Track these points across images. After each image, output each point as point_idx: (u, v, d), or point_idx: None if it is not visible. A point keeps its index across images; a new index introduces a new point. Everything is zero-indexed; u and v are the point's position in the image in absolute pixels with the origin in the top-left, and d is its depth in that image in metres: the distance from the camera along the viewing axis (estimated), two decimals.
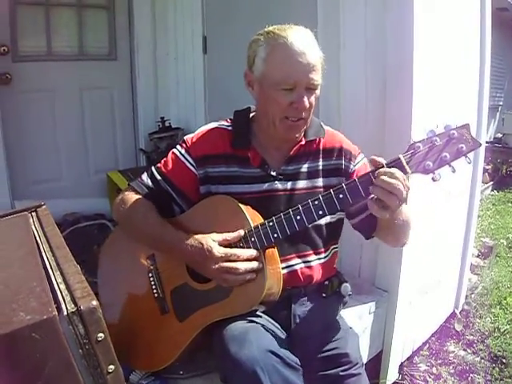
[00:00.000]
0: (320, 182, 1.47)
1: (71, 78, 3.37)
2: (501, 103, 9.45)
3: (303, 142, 1.45)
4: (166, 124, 3.61)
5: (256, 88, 1.40)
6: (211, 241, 1.29)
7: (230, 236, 1.31)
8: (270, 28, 1.37)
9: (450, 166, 1.19)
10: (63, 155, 3.42)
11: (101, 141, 3.59)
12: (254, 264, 1.29)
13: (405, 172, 1.18)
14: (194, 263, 1.35)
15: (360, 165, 1.49)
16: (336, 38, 2.18)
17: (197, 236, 1.32)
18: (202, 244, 1.28)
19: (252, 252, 1.29)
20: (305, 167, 1.47)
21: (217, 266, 1.27)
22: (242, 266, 1.27)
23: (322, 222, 1.43)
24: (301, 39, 1.31)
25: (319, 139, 1.48)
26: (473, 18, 2.45)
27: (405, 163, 1.19)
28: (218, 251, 1.27)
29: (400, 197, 1.16)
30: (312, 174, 1.47)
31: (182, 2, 3.49)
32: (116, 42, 3.57)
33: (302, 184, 1.45)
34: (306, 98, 1.31)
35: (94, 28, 3.48)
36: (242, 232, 1.31)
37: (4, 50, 3.00)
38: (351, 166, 1.49)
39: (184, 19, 3.47)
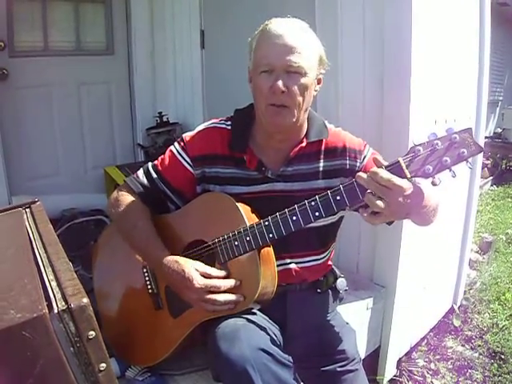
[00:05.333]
0: (320, 183, 1.42)
1: (68, 74, 3.35)
2: (501, 98, 9.42)
3: (304, 144, 1.41)
4: (164, 119, 3.59)
5: (252, 81, 1.37)
6: (193, 270, 1.27)
7: (213, 272, 1.29)
8: None
9: (450, 170, 1.14)
10: (60, 150, 3.41)
11: (98, 136, 3.57)
12: (233, 297, 1.27)
13: (404, 176, 1.14)
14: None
15: (367, 159, 1.43)
16: (333, 35, 2.16)
17: (180, 261, 1.30)
18: (183, 271, 1.27)
19: (231, 282, 1.28)
20: (304, 168, 1.42)
21: (196, 296, 1.27)
22: (221, 298, 1.26)
23: (320, 223, 1.39)
24: (282, 25, 1.30)
25: (322, 140, 1.43)
26: (472, 12, 2.43)
27: (404, 167, 1.15)
28: (199, 282, 1.25)
29: (390, 200, 1.10)
30: (311, 176, 1.42)
31: None
32: (113, 37, 3.55)
33: (299, 185, 1.41)
34: (281, 82, 1.26)
35: (91, 23, 3.45)
36: (224, 272, 1.30)
37: (0, 45, 2.97)
38: (358, 164, 1.43)
39: (181, 13, 3.45)
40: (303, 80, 1.29)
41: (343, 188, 1.21)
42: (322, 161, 1.43)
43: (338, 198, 1.21)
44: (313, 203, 1.24)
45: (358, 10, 2.09)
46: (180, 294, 1.32)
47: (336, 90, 2.21)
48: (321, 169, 1.43)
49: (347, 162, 1.43)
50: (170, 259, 1.31)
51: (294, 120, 1.34)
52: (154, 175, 1.46)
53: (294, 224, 1.26)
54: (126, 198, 1.44)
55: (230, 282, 1.28)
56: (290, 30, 1.29)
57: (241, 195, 1.38)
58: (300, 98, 1.30)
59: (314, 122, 1.44)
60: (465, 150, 1.12)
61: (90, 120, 3.52)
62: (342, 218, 1.52)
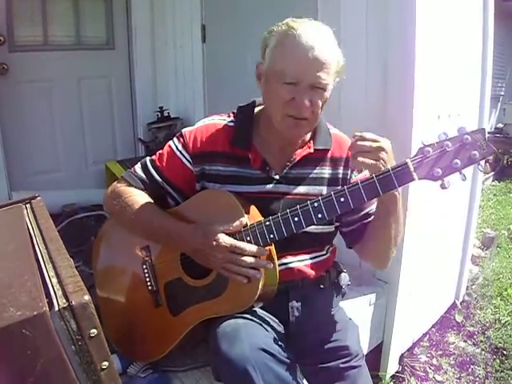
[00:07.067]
0: (324, 190, 1.41)
1: (69, 68, 3.34)
2: (502, 93, 9.38)
3: (311, 150, 1.40)
4: (165, 114, 3.58)
5: (263, 81, 1.32)
6: (219, 230, 1.24)
7: (232, 226, 1.26)
8: (286, 19, 1.29)
9: (460, 173, 1.11)
10: (61, 146, 3.40)
11: (99, 131, 3.56)
12: (259, 261, 1.24)
13: (412, 179, 1.13)
14: (195, 252, 1.30)
15: (361, 175, 1.43)
16: (336, 28, 2.13)
17: (202, 225, 1.27)
18: (209, 232, 1.24)
19: (255, 248, 1.24)
20: (309, 173, 1.41)
21: (221, 255, 1.23)
22: (249, 260, 1.23)
23: (318, 230, 1.38)
24: (313, 33, 1.22)
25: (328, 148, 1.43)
26: (476, 8, 2.41)
27: (412, 169, 1.13)
28: (225, 241, 1.22)
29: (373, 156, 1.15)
30: (317, 181, 1.41)
31: None
32: (114, 31, 3.54)
33: (303, 189, 1.40)
34: (307, 97, 1.23)
35: (91, 17, 3.44)
36: (244, 220, 1.26)
37: (0, 40, 2.96)
38: (353, 176, 1.44)
39: (182, 7, 3.42)
40: (326, 94, 1.27)
41: (348, 190, 1.19)
42: (327, 168, 1.43)
43: (342, 199, 1.19)
44: (316, 204, 1.22)
45: (362, 4, 2.06)
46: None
47: (338, 85, 2.18)
48: (326, 176, 1.43)
49: (348, 172, 1.44)
50: (193, 226, 1.30)
51: (310, 130, 1.36)
52: (153, 171, 1.43)
53: (295, 225, 1.23)
54: (128, 188, 1.42)
55: (254, 248, 1.24)
56: (321, 42, 1.22)
57: (241, 195, 1.35)
58: (319, 111, 1.29)
59: (321, 129, 1.43)
60: (476, 152, 1.09)
61: (91, 115, 3.51)
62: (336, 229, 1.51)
